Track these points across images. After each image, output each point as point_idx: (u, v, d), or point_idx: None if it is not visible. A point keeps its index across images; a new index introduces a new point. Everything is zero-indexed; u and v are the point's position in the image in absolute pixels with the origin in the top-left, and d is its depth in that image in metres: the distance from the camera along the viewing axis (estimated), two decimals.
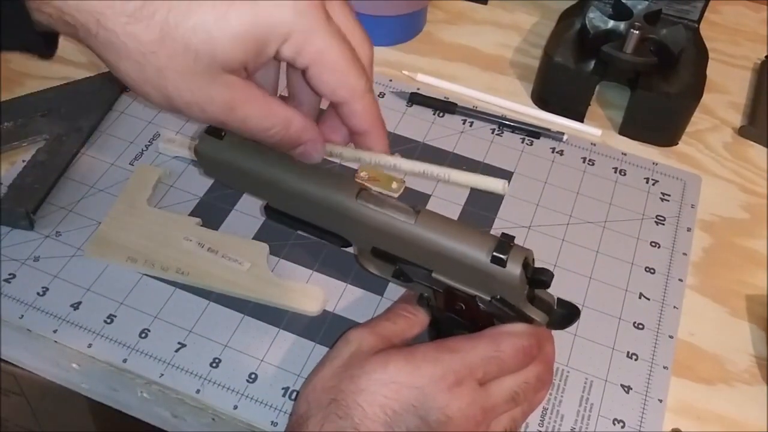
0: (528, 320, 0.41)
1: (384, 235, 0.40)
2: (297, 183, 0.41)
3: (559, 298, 0.44)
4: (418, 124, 0.66)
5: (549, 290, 0.43)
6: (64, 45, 0.81)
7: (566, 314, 0.43)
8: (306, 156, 0.39)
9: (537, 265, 0.41)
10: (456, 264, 0.39)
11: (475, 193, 0.61)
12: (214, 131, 0.42)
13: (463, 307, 0.42)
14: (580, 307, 0.43)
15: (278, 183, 0.41)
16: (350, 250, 0.56)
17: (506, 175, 0.63)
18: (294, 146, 0.38)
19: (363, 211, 0.40)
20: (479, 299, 0.41)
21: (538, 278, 0.40)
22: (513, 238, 0.39)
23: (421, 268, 0.42)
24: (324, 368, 0.43)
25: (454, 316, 0.44)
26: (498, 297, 0.40)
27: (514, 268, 0.38)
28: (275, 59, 0.35)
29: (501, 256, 0.38)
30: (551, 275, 0.40)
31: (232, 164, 0.42)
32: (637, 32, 0.62)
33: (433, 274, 0.41)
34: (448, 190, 0.61)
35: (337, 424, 0.39)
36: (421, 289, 0.45)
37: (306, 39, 0.34)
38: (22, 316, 0.51)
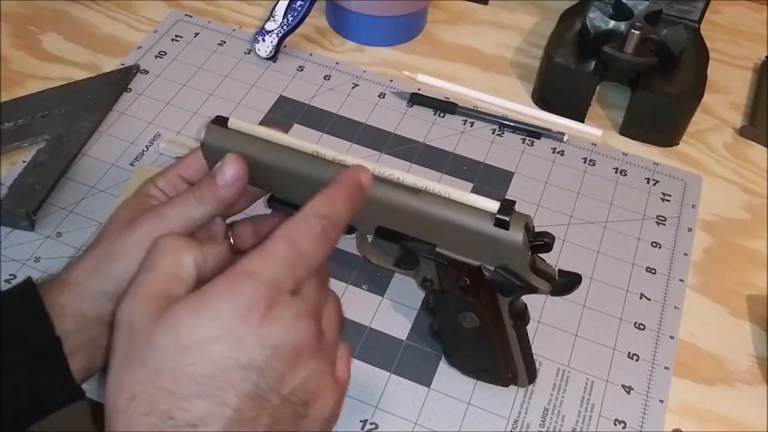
0: (532, 289, 0.42)
1: (389, 210, 0.41)
2: (303, 167, 0.41)
3: (560, 269, 0.44)
4: (419, 125, 0.66)
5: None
6: (64, 45, 0.80)
7: (568, 282, 0.43)
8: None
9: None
10: (460, 232, 0.40)
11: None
12: (220, 120, 0.42)
13: (468, 281, 0.43)
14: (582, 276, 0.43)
15: (285, 168, 0.41)
16: (351, 250, 0.56)
17: (507, 175, 0.63)
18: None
19: None
20: (484, 268, 0.41)
21: (540, 241, 0.40)
22: (514, 202, 0.39)
23: (426, 243, 0.42)
24: (110, 372, 0.34)
25: (457, 295, 0.44)
26: (502, 266, 0.41)
27: (516, 231, 0.39)
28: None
29: (504, 218, 0.38)
30: (552, 237, 0.40)
31: (239, 153, 0.42)
32: (638, 32, 0.62)
33: (437, 248, 0.42)
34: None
35: (143, 422, 0.31)
36: (424, 272, 0.45)
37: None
38: None
